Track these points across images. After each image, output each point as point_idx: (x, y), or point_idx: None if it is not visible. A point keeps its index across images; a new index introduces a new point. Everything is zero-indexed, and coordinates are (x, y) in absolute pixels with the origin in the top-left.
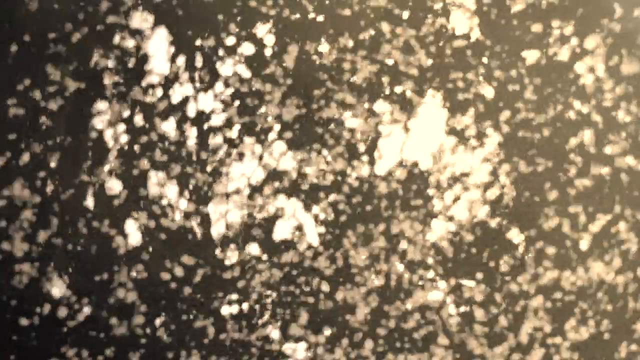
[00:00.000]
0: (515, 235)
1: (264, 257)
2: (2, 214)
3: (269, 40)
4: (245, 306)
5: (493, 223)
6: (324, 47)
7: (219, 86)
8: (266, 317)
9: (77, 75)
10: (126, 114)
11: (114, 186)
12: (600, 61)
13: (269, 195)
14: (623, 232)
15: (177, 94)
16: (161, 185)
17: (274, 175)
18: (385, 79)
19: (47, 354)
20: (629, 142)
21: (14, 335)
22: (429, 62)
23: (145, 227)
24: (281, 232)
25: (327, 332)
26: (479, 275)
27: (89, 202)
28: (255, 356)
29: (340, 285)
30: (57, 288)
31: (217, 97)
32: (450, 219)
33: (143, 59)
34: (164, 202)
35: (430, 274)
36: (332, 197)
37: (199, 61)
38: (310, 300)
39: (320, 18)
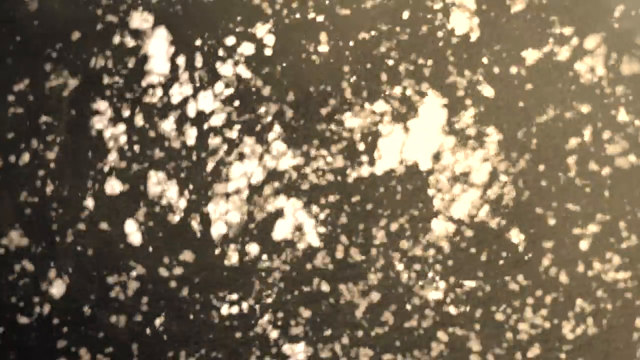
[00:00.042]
0: (515, 235)
1: (264, 257)
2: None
3: (269, 40)
4: (244, 306)
5: (493, 223)
6: (323, 46)
7: (218, 86)
8: (266, 317)
9: (76, 76)
10: (126, 113)
11: (114, 186)
12: (600, 61)
13: (269, 195)
14: (623, 231)
15: (177, 94)
16: (161, 185)
17: (273, 175)
18: (384, 79)
19: (47, 353)
20: (629, 142)
21: (14, 335)
22: (429, 61)
23: (145, 226)
24: (281, 231)
25: (327, 332)
26: (479, 274)
27: (89, 202)
28: (254, 356)
29: (340, 285)
30: (57, 288)
31: (217, 97)
32: (450, 218)
33: (143, 59)
34: (164, 202)
35: (430, 274)
36: (332, 197)
37: (198, 61)
38: (310, 300)
39: (320, 18)
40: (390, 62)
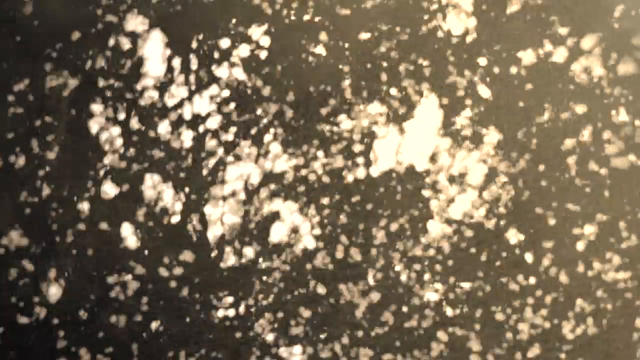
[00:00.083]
0: (513, 235)
1: (261, 259)
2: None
3: (267, 41)
4: (244, 306)
5: (491, 223)
6: (323, 47)
7: (214, 88)
8: (266, 317)
9: (75, 76)
10: (122, 116)
11: (110, 189)
12: (597, 61)
13: (266, 197)
14: (623, 231)
15: (173, 96)
16: (157, 188)
17: (270, 177)
18: (381, 80)
19: (47, 353)
20: (629, 142)
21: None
22: (426, 62)
23: (142, 229)
24: (277, 234)
25: (327, 332)
26: (479, 275)
27: (85, 205)
28: (254, 356)
29: (337, 287)
30: (56, 288)
31: (212, 99)
32: (447, 219)
33: (138, 61)
34: (160, 204)
35: (429, 275)
36: (329, 199)
37: (194, 63)
38: (310, 300)
39: (317, 19)
40: (390, 63)
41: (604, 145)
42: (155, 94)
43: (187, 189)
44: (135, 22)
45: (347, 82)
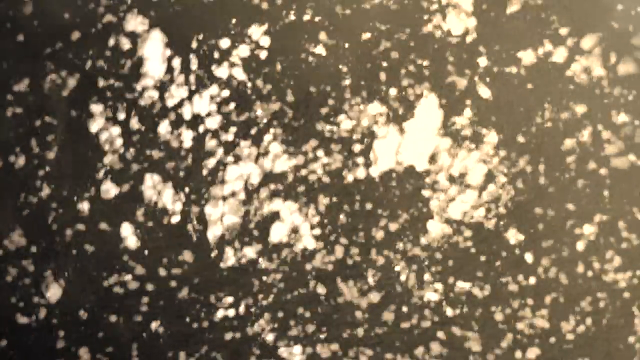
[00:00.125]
0: (512, 235)
1: (261, 259)
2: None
3: (265, 41)
4: (244, 307)
5: (490, 223)
6: (319, 48)
7: (214, 88)
8: (265, 317)
9: (75, 76)
10: (122, 116)
11: (110, 189)
12: (597, 61)
13: (265, 197)
14: (623, 231)
15: (173, 96)
16: (157, 189)
17: (270, 177)
18: (381, 80)
19: (47, 353)
20: (629, 142)
21: (14, 335)
22: (426, 62)
23: (141, 229)
24: (277, 234)
25: (324, 334)
26: (478, 275)
27: (84, 205)
28: (254, 356)
29: (337, 287)
30: (56, 288)
31: (212, 99)
32: (447, 219)
33: (138, 61)
34: (160, 205)
35: (429, 274)
36: (329, 199)
37: (194, 63)
38: (307, 302)
39: (317, 19)
40: (390, 63)
41: (603, 145)
42: (155, 94)
43: (187, 189)
44: (135, 22)
45: (347, 82)
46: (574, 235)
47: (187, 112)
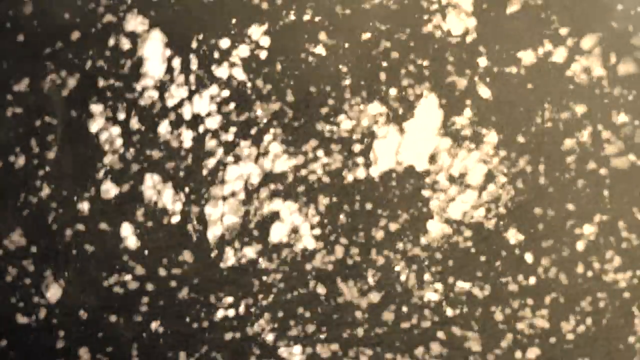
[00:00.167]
0: (512, 235)
1: (260, 259)
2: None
3: (265, 41)
4: (244, 307)
5: (490, 223)
6: (319, 48)
7: (214, 88)
8: (265, 317)
9: (74, 76)
10: (121, 116)
11: (110, 189)
12: (596, 61)
13: (265, 197)
14: (623, 231)
15: (173, 96)
16: (156, 189)
17: (270, 177)
18: (381, 80)
19: (47, 353)
20: (627, 142)
21: (14, 335)
22: (426, 62)
23: (141, 229)
24: (277, 234)
25: (324, 334)
26: (478, 275)
27: (84, 205)
28: (254, 356)
29: (337, 287)
30: (56, 288)
31: (212, 99)
32: (447, 219)
33: (138, 61)
34: (160, 205)
35: (429, 275)
36: (329, 199)
37: (194, 63)
38: (307, 302)
39: (317, 19)
40: (390, 63)
41: (603, 145)
42: (155, 94)
43: (187, 189)
44: (135, 22)
45: (347, 82)
46: (574, 235)
47: (187, 112)
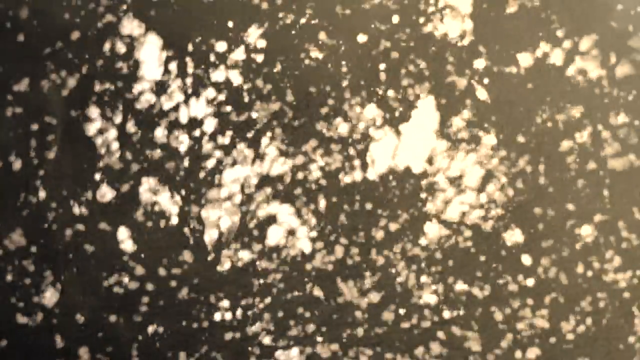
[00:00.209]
0: (511, 236)
1: (258, 262)
2: None
3: (262, 43)
4: (244, 307)
5: (489, 224)
6: (322, 47)
7: (210, 91)
8: (265, 318)
9: (71, 80)
10: (118, 120)
11: (106, 192)
12: (595, 62)
13: (262, 200)
14: (622, 231)
15: (169, 99)
16: (153, 192)
17: (267, 180)
18: (379, 82)
19: (47, 353)
20: (625, 143)
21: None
22: (424, 64)
23: (138, 232)
24: (275, 236)
25: (324, 334)
26: (477, 275)
27: (81, 208)
28: (254, 356)
29: (337, 287)
30: (56, 288)
31: (209, 102)
32: (446, 221)
33: (135, 65)
34: (157, 208)
35: (428, 276)
36: (326, 201)
37: (190, 67)
38: (306, 303)
39: (314, 21)
40: (388, 64)
41: (602, 145)
42: (151, 98)
43: (183, 192)
44: (131, 26)
45: (345, 84)
46: (574, 235)
47: (183, 115)
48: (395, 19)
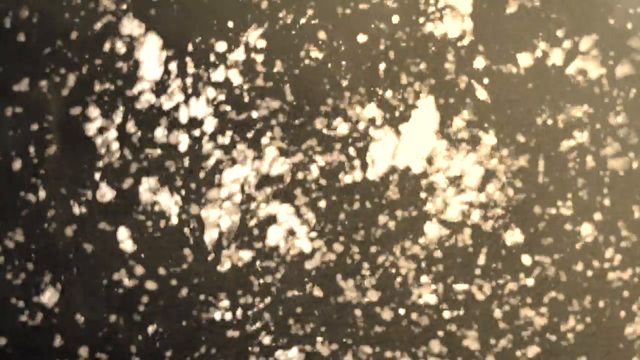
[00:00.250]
0: (511, 235)
1: (258, 261)
2: None
3: (262, 43)
4: (240, 310)
5: (489, 223)
6: (316, 51)
7: (210, 91)
8: (262, 319)
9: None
10: (118, 120)
11: (106, 193)
12: (594, 63)
13: (262, 200)
14: (622, 230)
15: (169, 99)
16: (153, 192)
17: (267, 180)
18: (379, 82)
19: (47, 353)
20: (625, 143)
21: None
22: (423, 64)
23: (138, 232)
24: (275, 236)
25: (324, 334)
26: (477, 274)
27: (81, 208)
28: (254, 355)
29: (337, 286)
30: (56, 288)
31: (209, 102)
32: (446, 220)
33: (135, 65)
34: (157, 208)
35: (428, 275)
36: (326, 201)
37: (190, 67)
38: (306, 302)
39: (313, 22)
40: (388, 64)
41: (602, 145)
42: (151, 98)
43: (183, 192)
44: (131, 26)
45: (345, 83)
46: (574, 234)
47: (183, 116)
48: (395, 19)
